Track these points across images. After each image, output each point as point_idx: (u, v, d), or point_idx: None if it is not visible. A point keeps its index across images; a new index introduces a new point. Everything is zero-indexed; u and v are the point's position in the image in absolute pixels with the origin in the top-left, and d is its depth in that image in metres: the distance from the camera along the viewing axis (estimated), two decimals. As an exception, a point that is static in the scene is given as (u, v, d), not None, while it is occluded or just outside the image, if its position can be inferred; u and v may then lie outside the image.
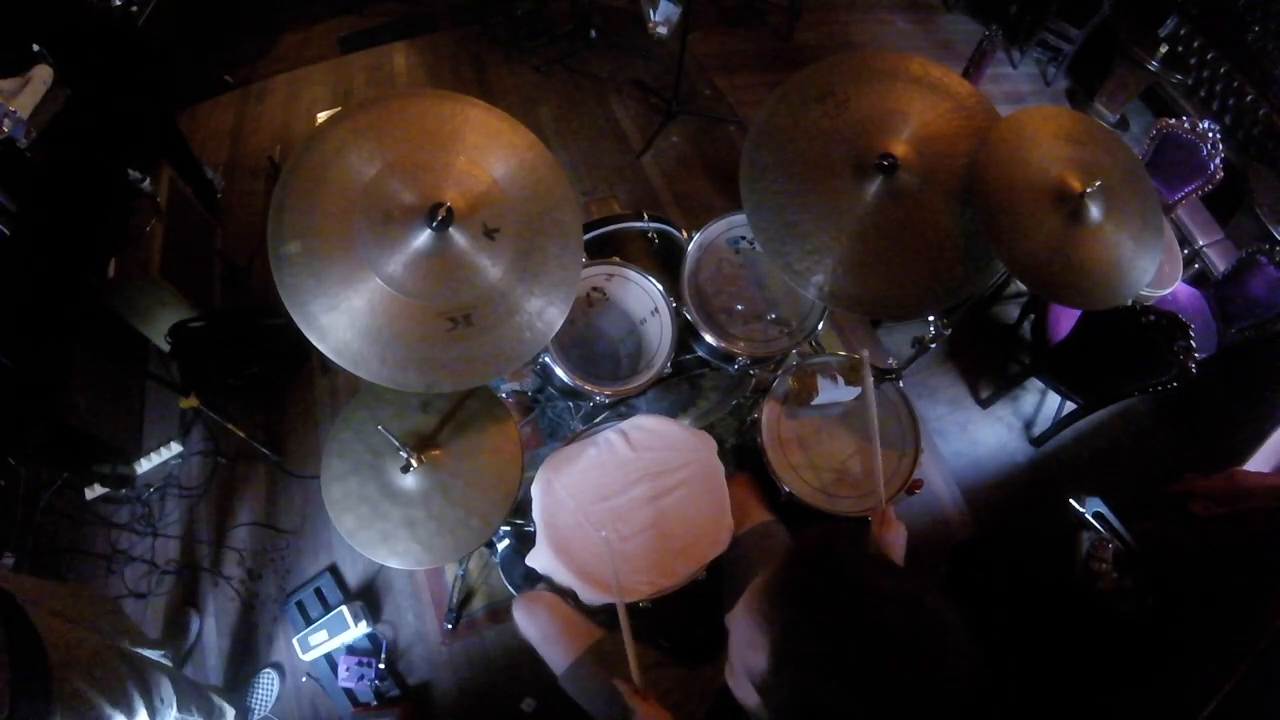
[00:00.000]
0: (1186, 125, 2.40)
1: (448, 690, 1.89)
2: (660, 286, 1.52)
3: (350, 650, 1.88)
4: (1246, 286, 2.34)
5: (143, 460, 2.16)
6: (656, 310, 1.54)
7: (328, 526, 2.08)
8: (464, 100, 1.20)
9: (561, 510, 1.38)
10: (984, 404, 2.57)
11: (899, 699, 0.65)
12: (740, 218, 1.57)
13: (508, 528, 1.71)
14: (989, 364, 2.68)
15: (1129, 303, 1.66)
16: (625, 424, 1.48)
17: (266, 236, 1.06)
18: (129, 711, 1.15)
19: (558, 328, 1.18)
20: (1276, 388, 2.26)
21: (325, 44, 3.48)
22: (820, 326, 1.57)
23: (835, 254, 1.29)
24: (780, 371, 1.65)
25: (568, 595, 1.32)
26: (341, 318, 1.07)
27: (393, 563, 1.29)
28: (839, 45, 3.86)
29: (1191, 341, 1.77)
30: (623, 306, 1.61)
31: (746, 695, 0.74)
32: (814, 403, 1.55)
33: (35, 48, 1.73)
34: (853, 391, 1.54)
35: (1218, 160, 2.35)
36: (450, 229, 1.10)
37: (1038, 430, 2.51)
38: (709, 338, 1.50)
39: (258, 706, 1.82)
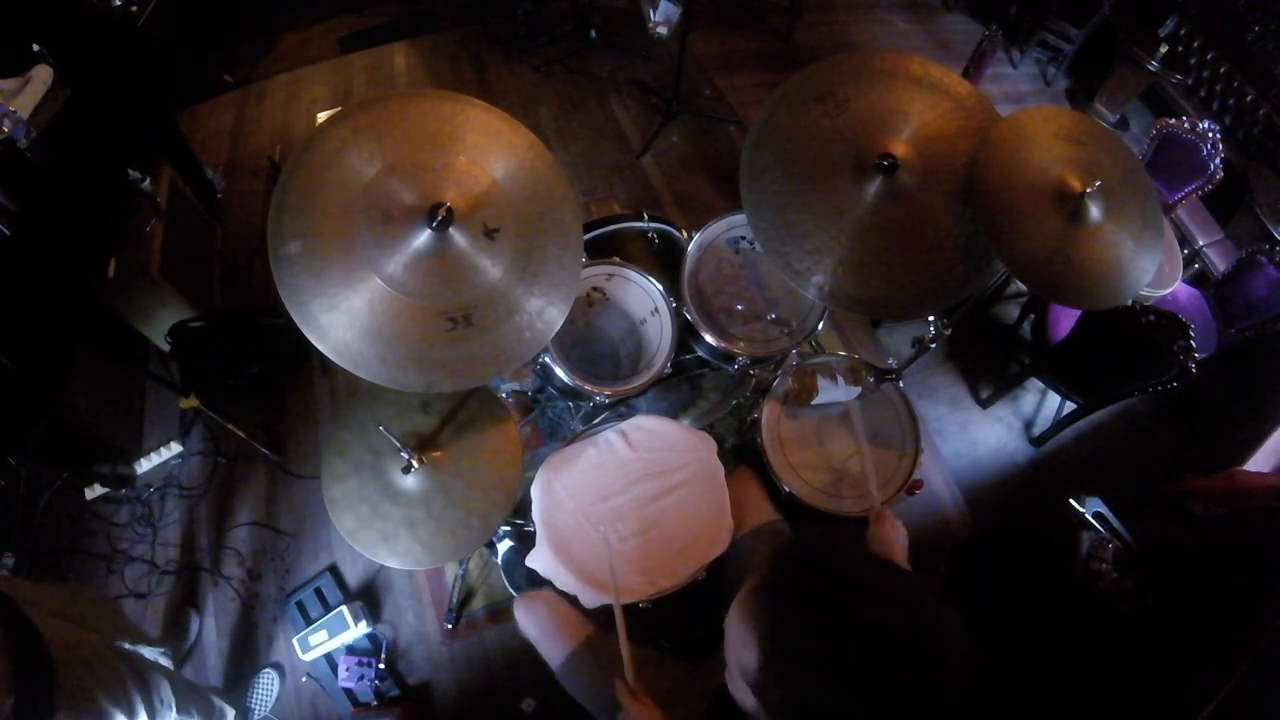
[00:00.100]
0: (1186, 125, 2.40)
1: (448, 690, 1.89)
2: (660, 286, 1.51)
3: (350, 650, 1.88)
4: (1246, 286, 2.34)
5: (143, 460, 2.16)
6: (656, 310, 1.54)
7: (328, 526, 2.08)
8: (464, 100, 1.20)
9: (561, 510, 1.38)
10: (984, 404, 2.57)
11: (899, 699, 0.65)
12: (740, 218, 1.57)
13: (508, 528, 1.71)
14: (989, 364, 2.68)
15: (1129, 303, 1.66)
16: (625, 424, 1.48)
17: (266, 236, 1.06)
18: (129, 711, 1.15)
19: (558, 328, 1.18)
20: (1276, 388, 2.26)
21: (325, 44, 3.48)
22: (820, 326, 1.57)
23: (835, 254, 1.29)
24: (780, 371, 1.65)
25: (569, 598, 1.32)
26: (341, 318, 1.06)
27: (393, 563, 1.29)
28: (839, 45, 3.85)
29: (1191, 341, 1.77)
30: (623, 306, 1.61)
31: (743, 696, 0.74)
32: (814, 403, 1.55)
33: (35, 48, 1.73)
34: (853, 391, 1.54)
35: (1218, 160, 2.35)
36: (450, 229, 1.10)
37: (1038, 430, 2.51)
38: (709, 338, 1.50)
39: (258, 706, 1.82)
